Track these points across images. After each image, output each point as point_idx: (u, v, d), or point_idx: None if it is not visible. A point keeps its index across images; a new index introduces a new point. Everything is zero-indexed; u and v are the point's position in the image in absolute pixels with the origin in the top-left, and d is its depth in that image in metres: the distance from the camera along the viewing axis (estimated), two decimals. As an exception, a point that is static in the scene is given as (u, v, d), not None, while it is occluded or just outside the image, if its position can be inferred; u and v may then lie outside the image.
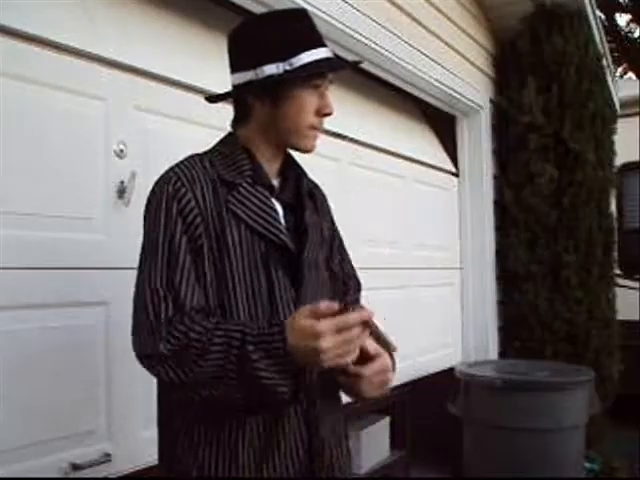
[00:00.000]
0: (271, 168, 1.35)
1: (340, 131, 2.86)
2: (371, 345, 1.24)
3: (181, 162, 1.29)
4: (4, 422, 1.50)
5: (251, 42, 1.30)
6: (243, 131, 1.34)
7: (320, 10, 2.41)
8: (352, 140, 2.96)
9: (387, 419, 3.45)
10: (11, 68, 1.57)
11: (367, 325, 1.11)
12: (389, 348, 1.25)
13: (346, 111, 3.05)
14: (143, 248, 1.26)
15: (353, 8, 2.64)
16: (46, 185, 1.63)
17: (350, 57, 2.84)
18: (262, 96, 1.29)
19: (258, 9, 2.28)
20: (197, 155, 1.32)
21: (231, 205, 1.25)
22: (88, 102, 1.75)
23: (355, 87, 3.20)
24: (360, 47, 2.77)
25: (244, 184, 1.28)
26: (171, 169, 1.28)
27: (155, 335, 1.15)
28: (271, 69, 1.26)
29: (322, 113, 1.31)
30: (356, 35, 2.66)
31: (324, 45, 1.31)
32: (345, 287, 1.50)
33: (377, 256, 3.08)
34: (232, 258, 1.23)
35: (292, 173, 1.39)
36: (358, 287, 1.55)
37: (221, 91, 1.39)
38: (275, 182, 1.35)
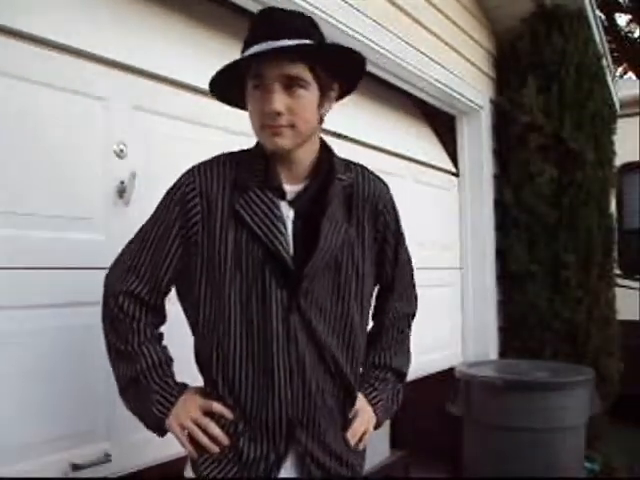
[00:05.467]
0: (295, 171, 1.33)
1: (340, 131, 2.86)
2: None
3: (209, 159, 1.35)
4: (4, 422, 1.50)
5: None
6: None
7: (320, 10, 2.41)
8: (352, 140, 2.96)
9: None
10: (10, 68, 1.57)
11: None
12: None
13: (346, 111, 3.04)
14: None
15: (353, 8, 2.64)
16: (46, 185, 1.63)
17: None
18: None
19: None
20: (226, 155, 1.36)
21: (239, 208, 1.28)
22: (88, 102, 1.75)
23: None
24: (360, 47, 2.77)
25: (254, 188, 1.29)
26: (196, 164, 1.34)
27: (120, 280, 1.35)
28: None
29: (264, 112, 1.24)
30: (356, 35, 2.66)
31: (268, 38, 1.22)
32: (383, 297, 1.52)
33: (377, 256, 3.08)
34: (229, 261, 1.27)
35: (320, 176, 1.35)
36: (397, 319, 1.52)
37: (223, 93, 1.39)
38: (296, 187, 1.33)
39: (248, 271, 1.27)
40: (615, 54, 9.79)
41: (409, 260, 1.55)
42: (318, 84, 1.28)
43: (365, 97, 3.29)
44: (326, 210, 1.32)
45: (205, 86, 2.05)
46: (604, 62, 4.27)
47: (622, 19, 11.97)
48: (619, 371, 4.08)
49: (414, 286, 1.58)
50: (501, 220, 4.06)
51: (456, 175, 4.02)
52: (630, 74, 11.80)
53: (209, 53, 2.17)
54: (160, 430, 1.34)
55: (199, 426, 1.28)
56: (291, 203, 1.32)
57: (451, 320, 3.87)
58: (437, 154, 3.93)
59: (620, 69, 11.82)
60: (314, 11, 2.38)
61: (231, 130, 2.06)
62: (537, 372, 3.23)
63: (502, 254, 4.05)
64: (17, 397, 1.54)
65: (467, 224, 3.99)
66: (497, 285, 4.05)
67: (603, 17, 10.15)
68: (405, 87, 3.36)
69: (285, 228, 1.29)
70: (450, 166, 3.99)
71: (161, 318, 1.39)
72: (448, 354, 3.75)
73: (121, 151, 1.81)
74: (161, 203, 1.36)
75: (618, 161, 4.51)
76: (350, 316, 1.35)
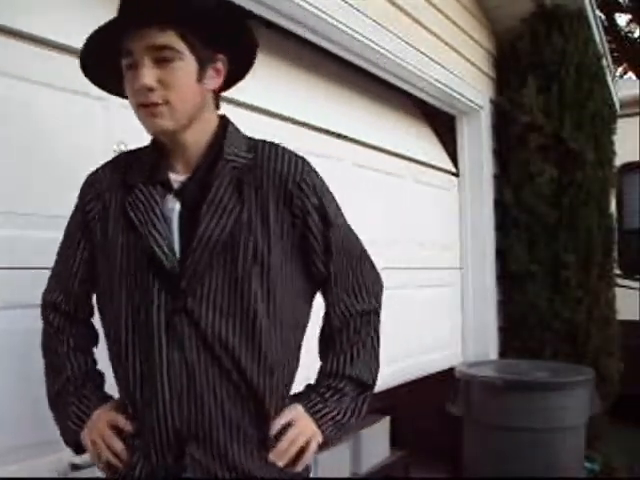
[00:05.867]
0: (188, 158, 1.22)
1: (340, 131, 2.86)
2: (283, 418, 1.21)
3: (109, 160, 1.33)
4: (4, 422, 1.50)
5: None
6: None
7: (320, 10, 2.41)
8: (352, 140, 2.96)
9: (387, 419, 3.45)
10: (10, 68, 1.57)
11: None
12: None
13: (347, 111, 3.05)
14: None
15: (353, 8, 2.64)
16: (46, 185, 1.63)
17: (350, 57, 2.85)
18: None
19: (260, 10, 2.28)
20: (125, 153, 1.33)
21: (128, 209, 1.21)
22: (88, 102, 1.75)
23: (355, 87, 3.20)
24: (360, 47, 2.77)
25: (140, 184, 1.21)
26: (97, 167, 1.32)
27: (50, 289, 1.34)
28: None
29: (134, 90, 1.15)
30: (356, 35, 2.66)
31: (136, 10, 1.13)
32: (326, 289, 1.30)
33: (377, 256, 3.06)
34: (118, 266, 1.20)
35: (208, 160, 1.22)
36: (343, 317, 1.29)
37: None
38: (184, 176, 1.22)
39: (135, 275, 1.18)
40: (615, 54, 9.79)
41: (355, 248, 1.33)
42: (194, 55, 1.16)
43: (365, 97, 3.29)
44: (207, 196, 1.17)
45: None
46: (604, 62, 4.27)
47: (622, 19, 11.98)
48: (619, 371, 4.08)
49: (370, 278, 1.34)
50: (501, 220, 4.06)
51: (456, 175, 4.02)
52: (630, 74, 11.80)
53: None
54: (79, 447, 1.27)
55: (104, 440, 1.21)
56: (178, 194, 1.20)
57: (451, 320, 3.87)
58: (437, 154, 3.93)
59: (620, 69, 11.82)
60: (314, 11, 2.38)
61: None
62: (537, 372, 3.23)
63: (502, 254, 4.05)
64: (16, 396, 1.54)
65: (467, 224, 3.99)
66: (497, 285, 4.05)
67: (603, 17, 10.15)
68: (405, 87, 3.36)
69: (167, 224, 1.18)
70: (450, 166, 3.99)
71: (86, 328, 1.34)
72: (448, 354, 3.75)
73: (121, 151, 1.81)
74: (73, 210, 1.34)
75: (618, 161, 4.51)
76: (253, 314, 1.17)
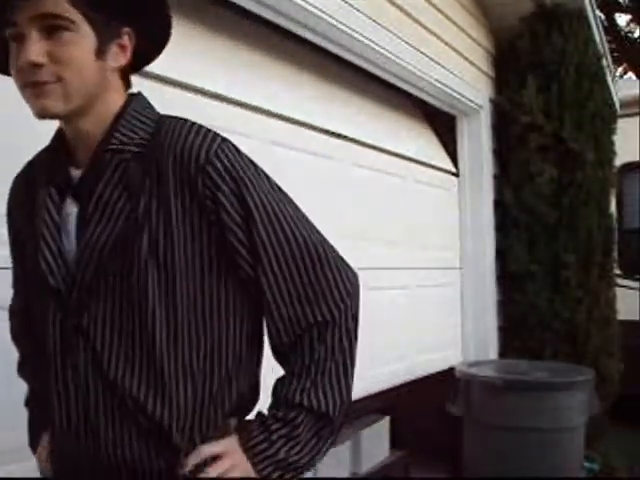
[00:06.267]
0: (89, 150, 1.04)
1: (341, 131, 2.86)
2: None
3: (29, 160, 1.19)
4: (3, 422, 1.50)
5: None
6: None
7: (319, 9, 2.41)
8: (352, 140, 2.96)
9: (387, 419, 3.45)
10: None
11: None
12: None
13: (347, 112, 3.05)
14: None
15: (353, 8, 2.64)
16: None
17: (350, 57, 2.85)
18: None
19: (260, 10, 2.28)
20: (45, 148, 1.15)
21: (34, 216, 1.07)
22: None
23: (356, 87, 3.20)
24: (360, 47, 2.77)
25: (40, 187, 1.07)
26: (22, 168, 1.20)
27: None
28: None
29: (19, 67, 0.97)
30: (356, 35, 2.66)
31: None
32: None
33: (377, 256, 3.08)
34: (31, 280, 1.09)
35: (100, 151, 1.02)
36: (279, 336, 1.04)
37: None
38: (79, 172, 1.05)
39: (39, 292, 1.05)
40: (615, 54, 9.80)
41: (302, 243, 1.02)
42: (93, 28, 0.98)
43: (365, 97, 3.29)
44: (93, 196, 1.00)
45: (205, 86, 2.06)
46: (604, 62, 4.28)
47: (622, 19, 12.00)
48: (619, 371, 4.09)
49: (327, 278, 1.03)
50: (501, 220, 4.07)
51: (456, 175, 4.02)
52: (630, 74, 11.82)
53: (210, 54, 2.16)
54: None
55: (40, 459, 1.20)
56: (76, 195, 1.03)
57: (451, 320, 3.87)
58: (437, 154, 3.93)
59: (620, 69, 11.83)
60: (314, 11, 2.38)
61: (232, 130, 2.06)
62: (537, 372, 3.24)
63: (502, 254, 4.05)
64: (17, 396, 1.54)
65: (467, 224, 3.99)
66: (497, 285, 4.05)
67: (603, 17, 10.16)
68: (405, 87, 3.37)
69: (61, 232, 1.03)
70: (450, 166, 4.00)
71: None
72: (448, 354, 3.75)
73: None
74: None
75: (618, 161, 4.52)
76: (152, 332, 0.98)
